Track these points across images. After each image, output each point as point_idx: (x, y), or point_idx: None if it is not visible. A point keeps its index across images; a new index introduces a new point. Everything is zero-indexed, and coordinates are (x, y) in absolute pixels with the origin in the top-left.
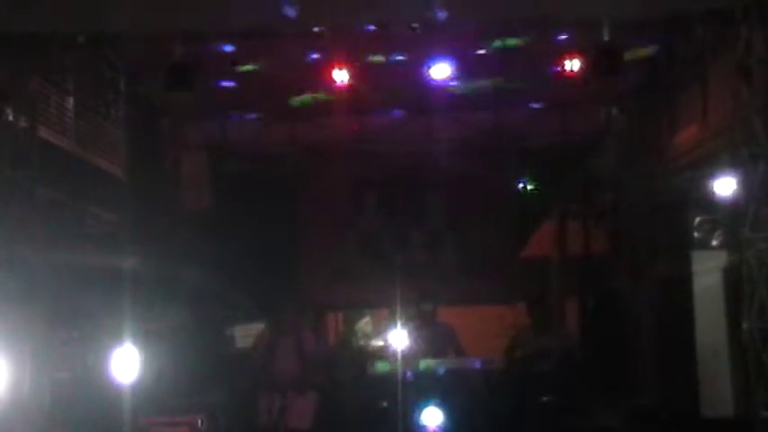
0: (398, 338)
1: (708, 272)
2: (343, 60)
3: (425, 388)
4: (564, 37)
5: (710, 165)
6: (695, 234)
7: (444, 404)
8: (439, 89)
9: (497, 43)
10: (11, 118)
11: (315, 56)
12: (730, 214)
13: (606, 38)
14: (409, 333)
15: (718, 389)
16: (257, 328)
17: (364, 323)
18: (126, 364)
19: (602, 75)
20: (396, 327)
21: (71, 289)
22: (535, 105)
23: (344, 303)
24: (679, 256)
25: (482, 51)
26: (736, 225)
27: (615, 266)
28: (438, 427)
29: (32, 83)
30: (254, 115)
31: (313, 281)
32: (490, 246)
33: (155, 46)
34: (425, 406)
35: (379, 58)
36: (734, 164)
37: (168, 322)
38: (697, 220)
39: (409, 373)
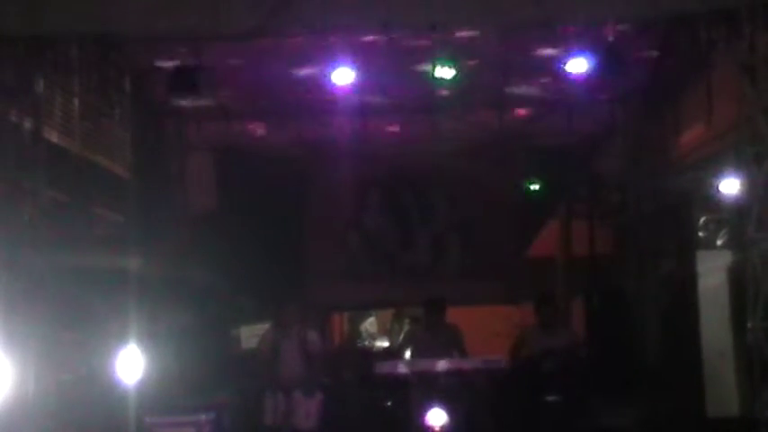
0: (403, 339)
1: (713, 271)
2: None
3: (430, 388)
4: (569, 37)
5: (715, 164)
6: (700, 234)
7: (449, 404)
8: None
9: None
10: (15, 119)
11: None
12: (735, 214)
13: (611, 38)
14: (414, 333)
15: (723, 388)
16: (262, 328)
17: (369, 323)
18: (131, 364)
19: (607, 75)
20: (400, 327)
21: (76, 290)
22: (540, 105)
23: (349, 304)
24: (684, 256)
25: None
26: (740, 225)
27: (620, 266)
28: (443, 427)
29: (38, 84)
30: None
31: (318, 281)
32: (495, 246)
33: (160, 47)
34: (430, 406)
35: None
36: (738, 163)
37: (173, 323)
38: (702, 219)
39: (414, 374)
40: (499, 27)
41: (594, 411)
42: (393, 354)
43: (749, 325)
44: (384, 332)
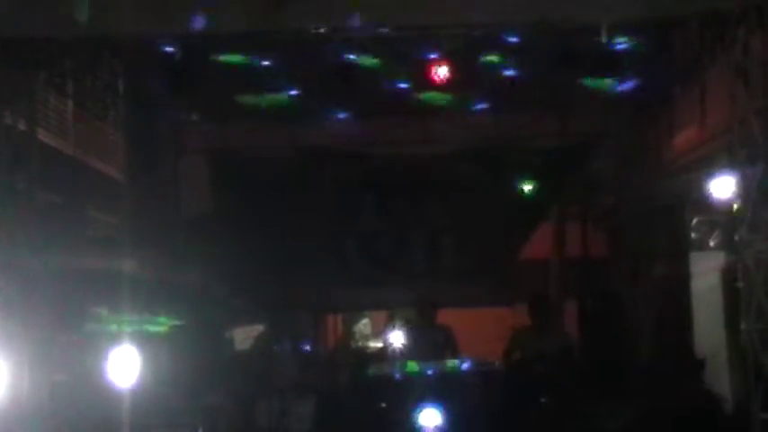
0: (397, 341)
1: (706, 273)
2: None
3: (424, 390)
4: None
5: (708, 166)
6: (693, 235)
7: (442, 406)
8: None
9: None
10: (10, 121)
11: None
12: (728, 215)
13: (604, 40)
14: (407, 335)
15: (716, 390)
16: (256, 330)
17: (363, 325)
18: (125, 366)
19: (600, 76)
20: (394, 329)
21: (70, 292)
22: (534, 108)
23: (343, 305)
24: (677, 258)
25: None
26: (733, 226)
27: (614, 268)
28: (436, 428)
29: (31, 86)
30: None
31: (312, 283)
32: (489, 248)
33: (154, 49)
34: (424, 408)
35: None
36: (732, 165)
37: (167, 325)
38: (695, 221)
39: (408, 375)
40: (494, 28)
41: (587, 414)
42: (387, 355)
43: (742, 326)
44: (378, 334)
